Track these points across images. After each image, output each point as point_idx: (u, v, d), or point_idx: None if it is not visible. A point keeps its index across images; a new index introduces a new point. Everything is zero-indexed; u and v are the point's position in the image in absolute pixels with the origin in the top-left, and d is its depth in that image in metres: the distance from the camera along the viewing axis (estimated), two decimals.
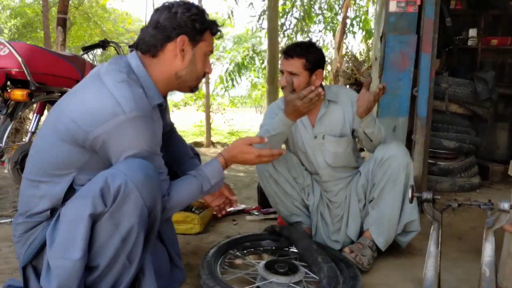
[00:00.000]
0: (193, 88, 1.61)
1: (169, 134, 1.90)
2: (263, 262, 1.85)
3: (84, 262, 1.31)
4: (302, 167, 2.31)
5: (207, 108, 10.91)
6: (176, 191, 1.50)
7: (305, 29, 11.02)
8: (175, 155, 1.87)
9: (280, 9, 10.20)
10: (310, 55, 2.09)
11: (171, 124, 1.92)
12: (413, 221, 2.11)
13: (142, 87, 1.44)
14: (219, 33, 1.58)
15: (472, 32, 4.44)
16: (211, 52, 1.58)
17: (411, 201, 1.70)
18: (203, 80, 11.58)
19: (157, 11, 1.49)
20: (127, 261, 1.36)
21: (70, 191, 1.41)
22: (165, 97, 1.63)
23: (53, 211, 1.42)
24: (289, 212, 2.30)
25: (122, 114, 1.32)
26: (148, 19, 1.54)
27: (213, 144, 10.48)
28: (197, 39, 1.50)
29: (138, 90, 1.40)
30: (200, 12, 1.49)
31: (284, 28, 10.88)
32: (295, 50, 2.10)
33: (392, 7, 2.86)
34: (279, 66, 2.14)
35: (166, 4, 1.49)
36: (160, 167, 1.46)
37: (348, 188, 2.29)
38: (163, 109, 1.65)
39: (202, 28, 1.49)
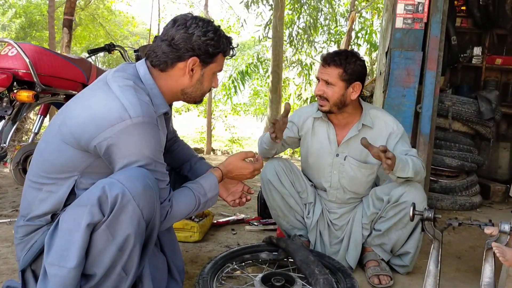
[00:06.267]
0: (197, 102, 1.65)
1: (173, 140, 1.90)
2: (260, 275, 1.85)
3: (80, 271, 1.30)
4: (308, 182, 2.28)
5: (209, 115, 10.93)
6: (175, 202, 1.50)
7: (311, 39, 11.06)
8: (182, 158, 1.88)
9: (286, 18, 10.25)
10: (348, 65, 2.00)
11: (174, 131, 1.93)
12: (408, 253, 2.10)
13: (149, 95, 1.45)
14: (232, 52, 1.60)
15: (477, 50, 4.46)
16: (220, 70, 1.60)
17: (411, 219, 1.70)
18: None
19: (174, 23, 1.48)
20: (123, 271, 1.36)
21: (72, 195, 1.41)
22: (170, 105, 1.64)
23: (54, 215, 1.42)
24: (290, 226, 2.29)
25: (128, 119, 1.32)
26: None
27: (213, 150, 10.48)
28: (208, 61, 1.52)
29: (145, 97, 1.41)
30: (216, 36, 1.48)
31: (290, 38, 10.93)
32: (333, 58, 2.02)
33: (399, 23, 2.88)
34: (318, 73, 2.08)
35: (185, 19, 1.47)
36: (162, 176, 1.45)
37: (352, 213, 2.23)
38: (167, 117, 1.66)
39: (214, 52, 1.50)
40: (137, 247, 1.36)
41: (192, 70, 1.50)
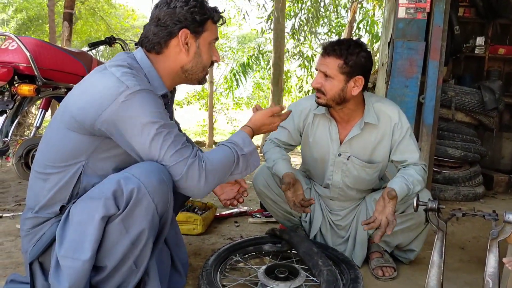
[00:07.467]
0: (201, 80, 1.61)
1: None
2: (263, 267, 1.85)
3: (92, 263, 1.31)
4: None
5: (210, 108, 10.94)
6: (209, 156, 1.44)
7: (314, 30, 11.00)
8: None
9: (288, 10, 10.19)
10: (350, 57, 1.80)
11: (177, 123, 1.91)
12: (413, 251, 2.09)
13: (146, 77, 1.45)
14: (221, 20, 1.57)
15: (480, 40, 4.43)
16: (216, 39, 1.57)
17: (415, 210, 1.69)
18: (208, 79, 11.64)
19: (156, 7, 1.49)
20: (134, 265, 1.36)
21: (78, 183, 1.41)
22: (172, 92, 1.63)
23: (63, 207, 1.42)
24: (291, 223, 2.27)
25: (126, 89, 1.31)
26: (149, 20, 1.53)
27: (215, 143, 10.47)
28: (199, 30, 1.49)
29: (141, 75, 1.41)
30: (198, 3, 1.47)
31: (293, 30, 10.86)
32: (333, 48, 1.82)
33: (401, 13, 2.86)
34: (317, 64, 1.91)
35: None
36: (177, 137, 1.40)
37: (355, 211, 2.14)
38: (169, 102, 1.65)
39: (202, 19, 1.48)
40: (150, 241, 1.36)
41: (187, 44, 1.48)
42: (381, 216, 1.75)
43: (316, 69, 1.92)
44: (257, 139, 12.78)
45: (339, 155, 2.04)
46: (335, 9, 11.35)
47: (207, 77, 1.67)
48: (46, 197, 1.42)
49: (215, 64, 1.68)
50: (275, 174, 2.06)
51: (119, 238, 1.32)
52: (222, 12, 1.58)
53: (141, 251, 1.35)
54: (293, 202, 1.95)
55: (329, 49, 1.84)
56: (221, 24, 1.59)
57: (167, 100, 1.60)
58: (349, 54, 1.81)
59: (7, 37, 2.90)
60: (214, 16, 1.52)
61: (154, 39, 1.47)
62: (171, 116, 1.81)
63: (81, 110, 1.34)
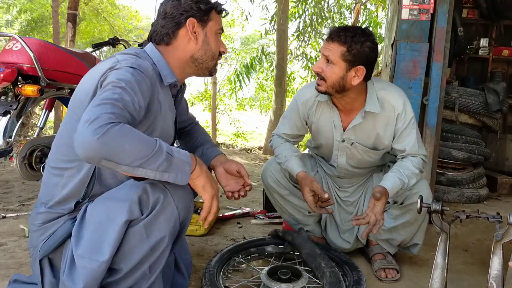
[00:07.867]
0: (211, 70, 1.62)
1: (191, 125, 1.93)
2: (266, 268, 1.85)
3: (109, 265, 1.31)
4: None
5: (214, 109, 10.95)
6: (135, 130, 1.20)
7: (319, 31, 11.00)
8: (197, 142, 1.88)
9: (293, 11, 10.20)
10: (354, 45, 1.76)
11: (193, 118, 1.94)
12: (416, 244, 2.09)
13: (155, 65, 1.47)
14: (224, 11, 1.61)
15: (484, 41, 4.42)
16: (221, 30, 1.61)
17: (419, 212, 1.68)
18: (210, 79, 11.63)
19: (162, 3, 1.54)
20: (148, 269, 1.37)
21: (93, 179, 1.40)
22: (181, 86, 1.64)
23: (77, 203, 1.41)
24: (296, 222, 2.26)
25: (119, 64, 1.34)
26: (156, 16, 1.58)
27: (218, 144, 10.48)
28: (204, 19, 1.53)
29: (146, 62, 1.42)
30: None
31: (297, 31, 10.86)
32: (338, 34, 1.79)
33: (405, 14, 2.85)
34: (321, 48, 1.87)
35: None
36: (128, 101, 1.24)
37: (363, 187, 2.20)
38: (179, 96, 1.65)
39: (207, 8, 1.53)
40: (169, 247, 1.38)
41: (195, 32, 1.52)
42: (371, 213, 1.77)
43: (320, 52, 1.90)
44: (260, 140, 12.80)
45: (343, 141, 2.05)
46: (338, 11, 11.35)
47: (217, 67, 1.69)
48: (61, 193, 1.41)
49: (219, 65, 1.69)
50: (286, 170, 2.09)
51: (139, 242, 1.32)
52: (224, 4, 1.62)
53: (158, 257, 1.36)
54: (314, 205, 1.95)
55: (334, 35, 1.81)
56: (224, 16, 1.63)
57: (176, 91, 1.61)
58: (354, 42, 1.77)
59: (11, 38, 2.91)
60: (218, 6, 1.57)
61: (163, 30, 1.51)
62: (186, 110, 1.85)
63: (86, 92, 1.35)
